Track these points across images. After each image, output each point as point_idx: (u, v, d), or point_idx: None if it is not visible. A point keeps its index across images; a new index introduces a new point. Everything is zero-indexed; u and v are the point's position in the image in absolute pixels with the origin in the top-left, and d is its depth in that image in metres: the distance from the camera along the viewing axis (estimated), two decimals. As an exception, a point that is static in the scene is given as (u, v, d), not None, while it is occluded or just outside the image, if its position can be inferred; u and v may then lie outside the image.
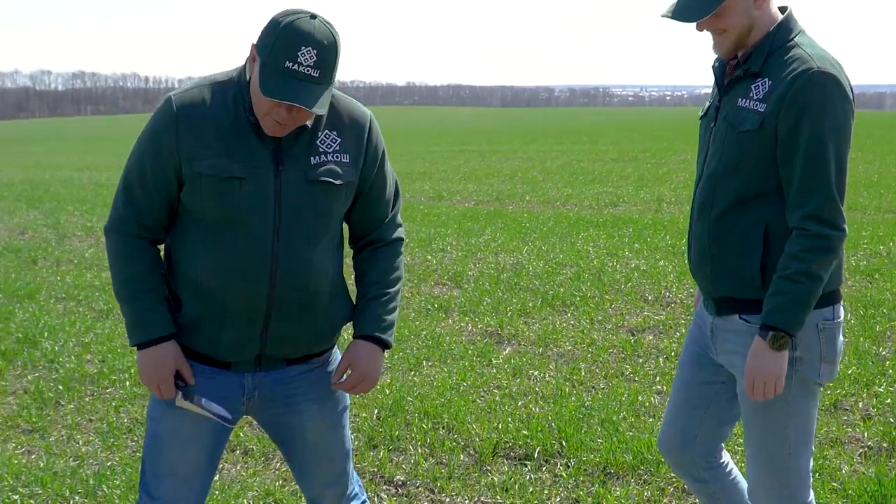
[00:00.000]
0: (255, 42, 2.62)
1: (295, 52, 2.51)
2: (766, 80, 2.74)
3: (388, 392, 5.78)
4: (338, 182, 2.74)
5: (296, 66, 2.52)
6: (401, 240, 2.98)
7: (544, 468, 4.69)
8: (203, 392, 2.78)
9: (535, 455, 4.81)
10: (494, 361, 6.48)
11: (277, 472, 4.72)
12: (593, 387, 5.94)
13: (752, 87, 2.77)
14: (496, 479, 4.54)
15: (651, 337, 7.05)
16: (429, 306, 8.17)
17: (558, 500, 4.37)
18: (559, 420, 5.15)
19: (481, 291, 8.59)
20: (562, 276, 9.26)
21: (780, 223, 2.76)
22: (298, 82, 2.52)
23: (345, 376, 2.88)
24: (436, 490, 4.49)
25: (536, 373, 6.22)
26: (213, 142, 2.65)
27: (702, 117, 3.00)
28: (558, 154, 30.35)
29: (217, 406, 2.78)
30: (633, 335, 7.13)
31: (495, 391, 5.86)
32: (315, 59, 2.52)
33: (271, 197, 2.67)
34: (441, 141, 36.32)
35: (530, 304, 8.11)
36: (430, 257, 10.48)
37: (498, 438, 5.00)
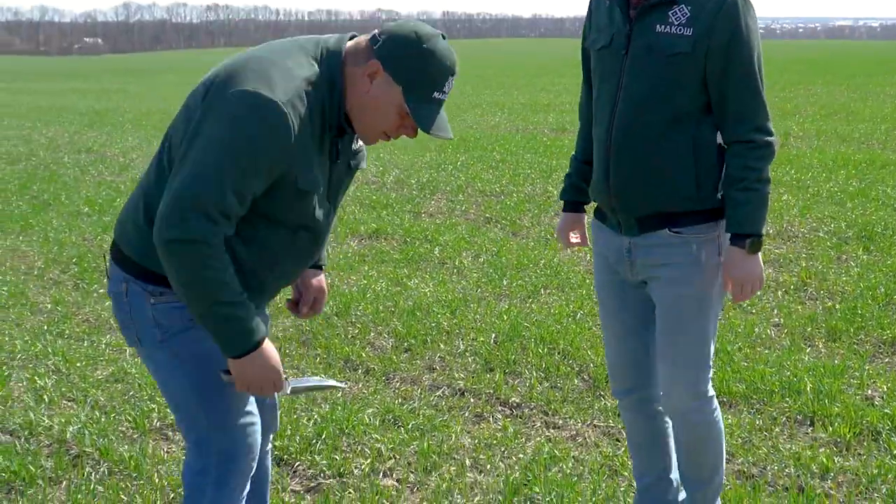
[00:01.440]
0: (376, 55, 2.55)
1: (444, 84, 2.57)
2: (684, 6, 2.88)
3: (505, 318, 5.91)
4: (364, 166, 2.89)
5: (440, 96, 2.58)
6: None
7: (657, 395, 4.75)
8: None
9: (648, 382, 4.87)
10: (611, 291, 6.52)
11: (397, 391, 4.91)
12: (710, 318, 5.94)
13: (670, 13, 2.90)
14: (609, 405, 4.63)
15: (771, 270, 6.99)
16: (548, 236, 8.24)
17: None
18: (674, 349, 5.19)
19: (601, 223, 8.61)
20: (683, 209, 9.18)
21: (704, 138, 2.95)
22: (439, 108, 2.59)
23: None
24: (549, 413, 4.62)
25: (653, 303, 6.24)
26: (310, 154, 2.57)
27: (603, 48, 3.05)
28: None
29: (317, 378, 2.89)
30: (753, 268, 7.06)
31: (611, 320, 5.91)
32: (453, 86, 2.62)
33: (326, 191, 2.71)
34: (566, 73, 35.86)
35: (650, 236, 8.08)
36: (550, 188, 10.51)
37: (612, 365, 5.08)
